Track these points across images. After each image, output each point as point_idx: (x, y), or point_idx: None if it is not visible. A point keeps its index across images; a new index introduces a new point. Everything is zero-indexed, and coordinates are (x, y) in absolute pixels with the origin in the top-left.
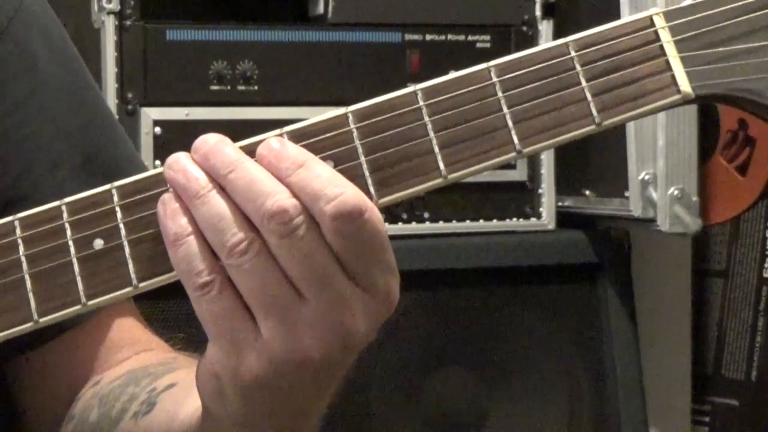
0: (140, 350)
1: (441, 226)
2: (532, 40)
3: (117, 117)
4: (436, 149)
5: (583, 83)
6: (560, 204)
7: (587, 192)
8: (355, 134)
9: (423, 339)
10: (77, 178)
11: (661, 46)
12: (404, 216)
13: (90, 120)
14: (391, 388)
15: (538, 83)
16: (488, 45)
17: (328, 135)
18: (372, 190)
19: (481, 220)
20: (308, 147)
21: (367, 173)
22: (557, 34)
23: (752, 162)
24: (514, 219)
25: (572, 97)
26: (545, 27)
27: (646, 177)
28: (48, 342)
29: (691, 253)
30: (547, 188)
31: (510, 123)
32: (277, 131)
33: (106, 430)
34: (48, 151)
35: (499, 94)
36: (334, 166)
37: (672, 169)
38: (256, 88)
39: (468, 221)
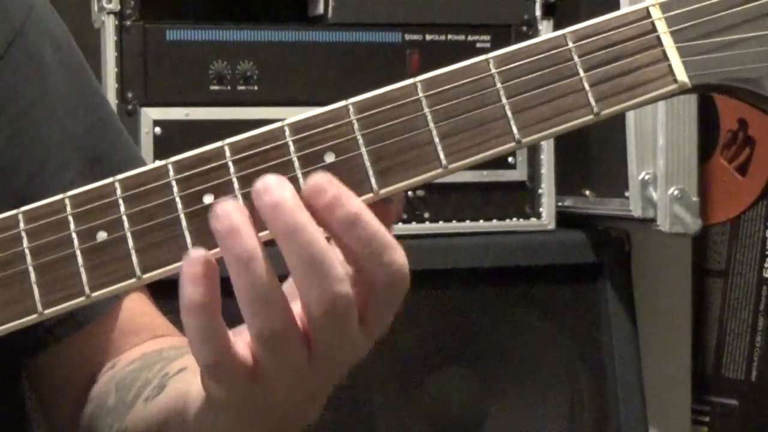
0: (158, 335)
1: (441, 226)
2: None
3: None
4: (436, 140)
5: (581, 73)
6: (560, 204)
7: (587, 192)
8: (355, 126)
9: (423, 339)
10: (84, 182)
11: (658, 37)
12: (404, 216)
13: (95, 124)
14: (392, 388)
15: (536, 74)
16: (488, 45)
17: (328, 127)
18: (373, 180)
19: (481, 220)
20: (309, 139)
21: (368, 164)
22: None
23: (752, 162)
24: (514, 219)
25: (570, 87)
26: (545, 27)
27: (646, 177)
28: (67, 337)
29: (691, 253)
30: (547, 188)
31: (509, 113)
32: (278, 124)
33: (122, 413)
34: (56, 154)
35: (498, 84)
36: (335, 158)
37: (672, 169)
38: (256, 88)
39: (468, 221)
